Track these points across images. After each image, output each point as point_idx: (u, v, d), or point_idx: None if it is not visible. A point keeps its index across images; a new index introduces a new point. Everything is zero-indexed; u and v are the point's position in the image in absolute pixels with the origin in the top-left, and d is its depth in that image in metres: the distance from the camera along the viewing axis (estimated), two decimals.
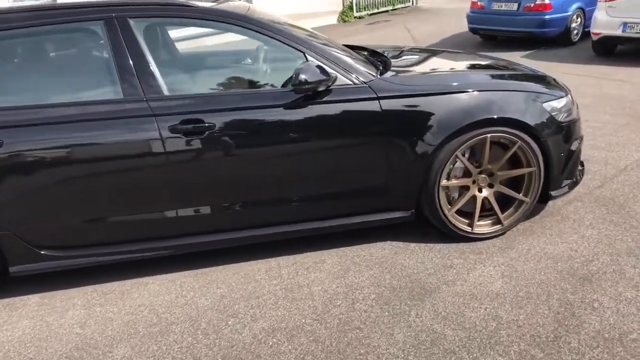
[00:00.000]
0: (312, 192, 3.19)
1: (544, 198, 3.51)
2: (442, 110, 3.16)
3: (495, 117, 3.18)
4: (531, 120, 3.25)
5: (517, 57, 9.35)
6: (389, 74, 3.29)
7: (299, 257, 3.40)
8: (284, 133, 3.04)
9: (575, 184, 3.62)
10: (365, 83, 3.12)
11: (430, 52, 4.26)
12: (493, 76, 3.55)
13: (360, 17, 15.34)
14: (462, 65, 3.93)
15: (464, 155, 3.31)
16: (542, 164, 3.35)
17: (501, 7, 10.19)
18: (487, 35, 10.87)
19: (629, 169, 4.39)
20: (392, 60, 3.74)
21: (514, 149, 3.29)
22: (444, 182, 3.27)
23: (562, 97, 3.44)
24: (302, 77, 2.87)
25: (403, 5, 16.76)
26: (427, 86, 3.20)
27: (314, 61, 3.05)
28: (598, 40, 8.68)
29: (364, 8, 15.63)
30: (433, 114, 3.15)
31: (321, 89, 2.97)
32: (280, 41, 3.08)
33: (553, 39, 9.97)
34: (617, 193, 3.99)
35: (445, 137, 3.14)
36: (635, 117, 5.67)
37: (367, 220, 3.30)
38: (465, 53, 4.28)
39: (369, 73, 3.18)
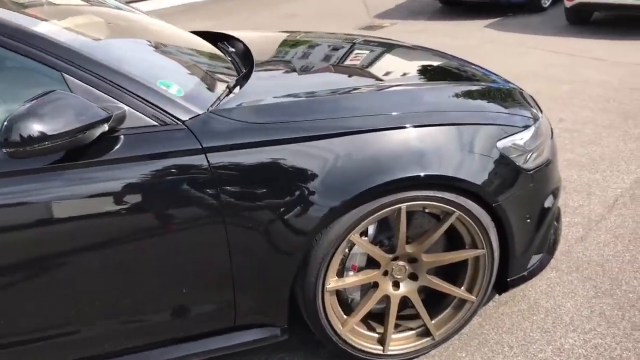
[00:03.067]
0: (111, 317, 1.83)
1: (501, 287, 2.22)
2: (325, 165, 1.81)
3: (420, 174, 1.86)
4: (476, 176, 1.92)
5: (480, 27, 7.99)
6: (232, 101, 1.90)
7: None
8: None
9: (547, 259, 2.33)
10: (181, 122, 1.73)
11: (348, 46, 2.85)
12: (426, 97, 2.18)
13: None
14: (385, 72, 2.52)
15: (364, 235, 1.99)
16: (495, 241, 2.04)
17: None
18: (451, 1, 9.46)
19: (621, 205, 3.12)
20: (264, 67, 2.35)
21: (448, 223, 1.97)
22: (331, 282, 1.94)
23: (528, 126, 2.12)
24: (30, 129, 1.47)
25: None
26: (298, 123, 1.83)
27: (76, 87, 1.64)
28: (572, 7, 7.35)
29: None
30: (307, 174, 1.80)
31: (84, 141, 1.57)
32: (27, 54, 1.65)
33: (521, 4, 8.63)
34: (607, 253, 2.72)
35: (330, 211, 1.79)
36: (622, 115, 4.40)
37: (211, 349, 1.95)
38: (400, 47, 2.87)
39: (190, 103, 1.79)
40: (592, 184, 3.37)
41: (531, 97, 2.43)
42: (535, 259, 2.25)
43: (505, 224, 2.02)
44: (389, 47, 2.85)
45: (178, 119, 1.73)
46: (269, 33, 3.21)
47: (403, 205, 1.88)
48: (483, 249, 2.03)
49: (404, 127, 1.89)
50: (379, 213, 1.87)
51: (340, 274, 2.01)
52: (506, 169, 2.00)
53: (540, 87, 5.14)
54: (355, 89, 2.12)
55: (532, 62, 6.03)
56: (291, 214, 1.79)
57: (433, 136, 1.92)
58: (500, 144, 2.00)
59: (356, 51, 2.74)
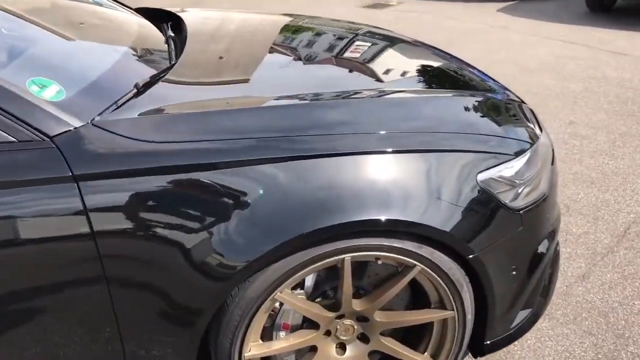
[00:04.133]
0: None
1: (476, 350, 1.78)
2: (245, 202, 1.37)
3: (381, 219, 1.41)
4: (445, 221, 1.47)
5: (492, 10, 7.42)
6: (131, 108, 1.45)
7: None
8: None
9: (535, 317, 1.87)
10: (47, 138, 1.29)
11: (326, 34, 2.36)
12: (402, 112, 1.69)
13: None
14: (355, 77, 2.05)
15: (300, 287, 1.55)
16: (469, 301, 1.60)
17: None
18: None
19: (633, 236, 2.66)
20: (199, 58, 1.89)
21: (407, 278, 1.52)
22: (252, 348, 1.52)
23: (523, 151, 1.65)
24: None
25: None
26: (214, 143, 1.39)
27: None
28: None
29: None
30: (218, 213, 1.36)
31: None
32: None
33: None
34: (612, 298, 2.27)
35: (248, 263, 1.36)
36: None
37: None
38: (380, 40, 2.37)
39: (67, 111, 1.34)
40: (601, 206, 2.90)
41: (531, 111, 1.96)
42: (523, 314, 1.80)
43: (483, 280, 1.57)
44: (356, 32, 2.36)
45: (43, 134, 1.28)
46: (232, 13, 2.73)
47: (347, 257, 1.44)
48: (452, 310, 1.58)
49: (366, 154, 1.45)
50: (314, 265, 1.43)
51: (270, 333, 1.58)
52: (487, 209, 1.54)
53: (551, 83, 4.63)
54: (321, 96, 1.66)
55: (545, 54, 5.49)
56: (194, 265, 1.35)
57: (408, 165, 1.48)
58: (482, 177, 1.54)
59: (336, 41, 2.26)
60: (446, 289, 1.54)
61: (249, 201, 1.36)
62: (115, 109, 1.44)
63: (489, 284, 1.58)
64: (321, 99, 1.63)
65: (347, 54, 2.15)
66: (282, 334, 1.58)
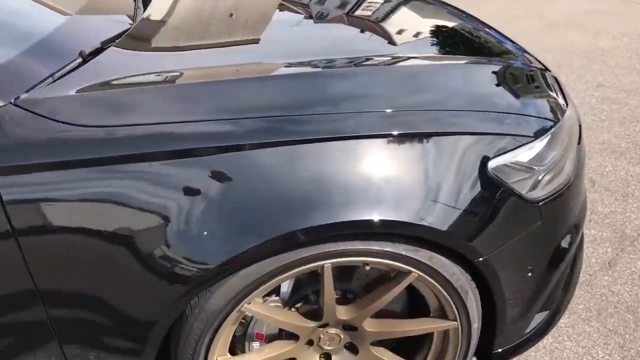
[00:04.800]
0: None
1: (485, 358, 1.55)
2: (206, 196, 1.13)
3: (373, 219, 1.16)
4: (446, 220, 1.21)
5: None
6: (64, 84, 1.20)
7: None
8: None
9: (554, 318, 1.62)
10: None
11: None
12: (422, 82, 1.44)
13: None
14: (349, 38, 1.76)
15: (275, 293, 1.33)
16: (475, 310, 1.35)
17: None
18: None
19: None
20: (165, 16, 1.62)
21: (401, 286, 1.28)
22: None
23: (545, 130, 1.37)
24: None
25: None
26: (161, 126, 1.14)
27: None
28: None
29: None
30: (171, 211, 1.13)
31: None
32: None
33: None
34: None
35: (209, 269, 1.13)
36: None
37: None
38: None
39: None
40: (632, 181, 2.61)
41: (556, 79, 1.66)
42: (540, 317, 1.56)
43: (493, 286, 1.33)
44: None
45: None
46: None
47: (327, 263, 1.20)
48: (455, 320, 1.34)
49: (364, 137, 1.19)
50: (288, 273, 1.19)
51: (242, 343, 1.37)
52: (499, 203, 1.28)
53: (577, 39, 4.24)
54: (334, 62, 1.43)
55: (573, 6, 5.06)
56: (142, 272, 1.13)
57: (407, 151, 1.22)
58: (494, 164, 1.27)
59: None
60: (448, 297, 1.29)
61: (211, 197, 1.12)
62: (52, 82, 1.19)
63: (499, 290, 1.34)
64: (334, 66, 1.41)
65: (359, 12, 1.88)
66: (255, 344, 1.37)
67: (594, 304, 1.95)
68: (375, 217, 1.15)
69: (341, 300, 1.36)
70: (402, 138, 1.22)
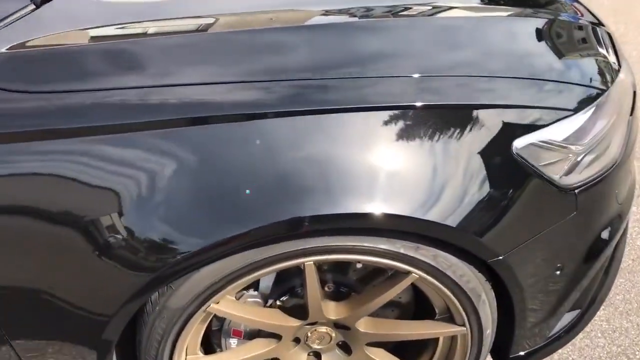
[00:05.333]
0: None
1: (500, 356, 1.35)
2: (159, 178, 0.95)
3: (374, 213, 0.95)
4: (456, 213, 0.99)
5: None
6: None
7: None
8: None
9: (588, 310, 1.39)
10: None
11: None
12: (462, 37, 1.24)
13: None
14: None
15: (254, 288, 1.15)
16: (488, 315, 1.15)
17: None
18: None
19: None
20: None
21: (398, 287, 1.08)
22: None
23: (587, 102, 1.12)
24: None
25: None
26: (97, 93, 0.98)
27: None
28: None
29: None
30: (119, 196, 0.95)
31: None
32: None
33: None
34: None
35: (172, 262, 0.95)
36: None
37: None
38: None
39: None
40: None
41: (609, 36, 1.38)
42: (569, 317, 1.35)
43: (511, 290, 1.11)
44: None
45: None
46: None
47: (308, 261, 1.01)
48: (463, 326, 1.14)
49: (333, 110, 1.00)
50: (262, 271, 1.01)
51: (218, 339, 1.21)
52: (524, 191, 1.05)
53: None
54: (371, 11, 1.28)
55: None
56: (93, 261, 0.97)
57: (419, 128, 1.01)
58: (522, 142, 1.04)
59: None
60: (455, 301, 1.09)
61: (179, 178, 0.95)
62: None
63: (518, 295, 1.13)
64: (370, 15, 1.27)
65: None
66: (232, 342, 1.20)
67: (635, 295, 1.71)
68: (373, 209, 0.95)
69: (333, 295, 1.17)
70: (421, 112, 1.01)
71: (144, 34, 1.12)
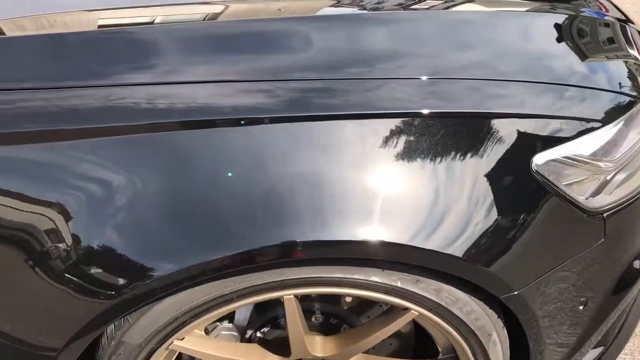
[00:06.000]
0: None
1: None
2: (126, 184, 0.82)
3: (370, 241, 0.81)
4: (464, 242, 0.84)
5: None
6: None
7: None
8: None
9: (610, 352, 1.23)
10: None
11: None
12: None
13: None
14: None
15: (225, 321, 1.00)
16: (500, 356, 0.98)
17: None
18: None
19: None
20: None
21: (396, 324, 0.93)
22: None
23: (618, 112, 0.96)
24: None
25: None
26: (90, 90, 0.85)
27: None
28: None
29: None
30: (59, 217, 0.80)
31: None
32: None
33: None
34: None
35: (126, 291, 0.81)
36: None
37: None
38: None
39: None
40: None
41: None
42: (594, 354, 1.18)
43: (526, 330, 0.96)
44: None
45: None
46: None
47: (288, 294, 0.86)
48: None
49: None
50: (230, 306, 0.86)
51: None
52: (542, 214, 0.89)
53: None
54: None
55: None
56: (40, 285, 0.83)
57: (421, 141, 0.85)
58: (542, 158, 0.88)
59: None
60: (462, 342, 0.94)
61: (145, 188, 0.80)
62: None
63: (535, 334, 0.97)
64: (381, 8, 1.15)
65: None
66: None
67: None
68: (368, 236, 0.80)
69: (322, 328, 1.02)
70: (427, 121, 0.86)
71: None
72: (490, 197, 0.86)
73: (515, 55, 1.04)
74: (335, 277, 0.84)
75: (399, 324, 0.92)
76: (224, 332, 0.99)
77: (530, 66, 1.01)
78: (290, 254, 0.80)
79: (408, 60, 0.97)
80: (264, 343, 1.02)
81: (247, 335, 1.04)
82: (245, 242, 0.79)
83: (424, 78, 0.91)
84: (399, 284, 0.85)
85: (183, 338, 0.90)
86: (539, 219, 0.90)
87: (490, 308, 0.92)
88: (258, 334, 1.03)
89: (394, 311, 0.92)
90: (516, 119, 0.89)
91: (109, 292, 0.81)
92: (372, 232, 0.80)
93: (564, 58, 1.07)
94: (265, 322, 1.04)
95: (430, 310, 0.89)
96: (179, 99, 0.84)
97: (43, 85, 0.83)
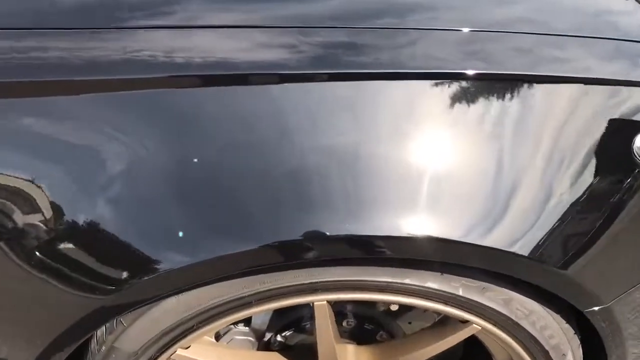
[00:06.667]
0: None
1: None
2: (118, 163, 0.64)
3: (416, 236, 0.62)
4: (541, 244, 0.65)
5: None
6: None
7: None
8: None
9: None
10: None
11: None
12: None
13: None
14: None
15: (245, 323, 0.83)
16: None
17: None
18: None
19: None
20: None
21: (453, 339, 0.75)
22: None
23: None
24: None
25: None
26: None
27: None
28: None
29: None
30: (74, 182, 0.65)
31: None
32: None
33: None
34: None
35: (120, 291, 0.64)
36: None
37: None
38: None
39: None
40: None
41: None
42: None
43: (608, 348, 0.78)
44: None
45: None
46: None
47: (320, 300, 0.68)
48: None
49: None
50: (248, 311, 0.69)
51: None
52: None
53: None
54: None
55: None
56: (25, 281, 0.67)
57: (476, 107, 0.66)
58: None
59: None
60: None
61: (146, 162, 0.63)
62: None
63: (620, 353, 0.78)
64: None
65: None
66: None
67: None
68: (413, 230, 0.62)
69: (354, 335, 0.85)
70: (475, 84, 0.66)
71: None
72: (574, 186, 0.67)
73: (571, 11, 0.82)
74: (380, 282, 0.66)
75: (455, 339, 0.74)
76: (238, 337, 0.83)
77: (595, 23, 0.80)
78: (314, 250, 0.62)
79: (441, 13, 0.76)
80: (285, 350, 0.86)
81: (266, 339, 0.87)
82: (268, 234, 0.61)
83: (465, 30, 0.69)
84: (460, 292, 0.67)
85: (189, 346, 0.73)
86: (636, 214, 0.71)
87: (567, 323, 0.75)
88: (278, 338, 0.87)
89: (449, 323, 0.75)
90: (592, 86, 0.70)
91: (102, 286, 0.64)
92: (418, 225, 0.62)
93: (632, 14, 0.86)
94: (287, 324, 0.87)
95: (495, 324, 0.71)
96: (196, 52, 0.66)
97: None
